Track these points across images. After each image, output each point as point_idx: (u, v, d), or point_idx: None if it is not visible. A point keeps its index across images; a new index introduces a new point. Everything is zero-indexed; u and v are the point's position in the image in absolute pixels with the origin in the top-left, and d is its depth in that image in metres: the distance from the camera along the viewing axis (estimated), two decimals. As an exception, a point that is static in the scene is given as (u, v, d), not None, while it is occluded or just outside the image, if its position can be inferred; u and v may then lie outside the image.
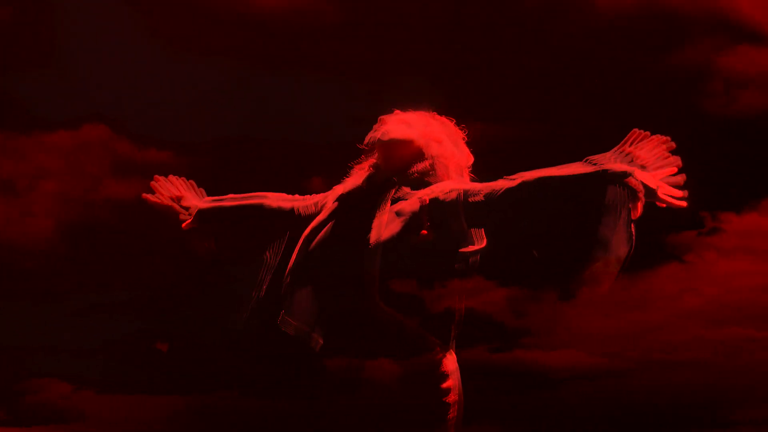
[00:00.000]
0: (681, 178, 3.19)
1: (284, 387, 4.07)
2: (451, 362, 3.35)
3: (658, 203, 3.17)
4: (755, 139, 4.62)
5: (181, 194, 3.84)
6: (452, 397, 3.31)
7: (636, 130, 3.23)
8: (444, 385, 3.31)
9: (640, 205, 3.14)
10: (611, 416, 4.22)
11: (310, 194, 3.68)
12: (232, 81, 5.29)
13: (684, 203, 3.18)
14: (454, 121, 3.58)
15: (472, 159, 3.55)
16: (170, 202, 3.83)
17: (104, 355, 5.00)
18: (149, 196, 3.84)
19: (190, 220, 3.78)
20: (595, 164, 3.19)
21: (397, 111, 3.56)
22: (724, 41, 4.93)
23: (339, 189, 3.55)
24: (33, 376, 4.99)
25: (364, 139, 3.54)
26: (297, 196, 3.70)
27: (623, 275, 3.21)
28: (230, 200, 3.77)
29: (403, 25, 5.22)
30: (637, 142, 3.22)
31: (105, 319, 5.11)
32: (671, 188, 3.16)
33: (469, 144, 3.59)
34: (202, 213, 3.78)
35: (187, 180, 3.89)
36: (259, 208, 3.70)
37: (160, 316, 5.05)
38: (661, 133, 3.24)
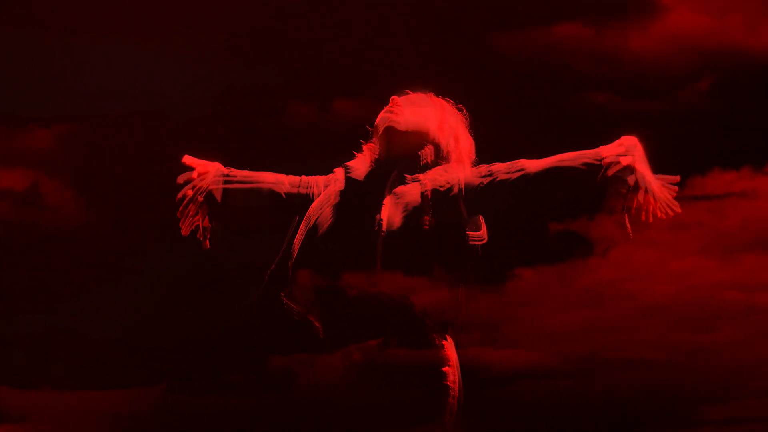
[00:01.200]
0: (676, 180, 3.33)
1: (219, 383, 3.93)
2: (452, 357, 3.37)
3: (653, 201, 3.27)
4: (668, 129, 4.63)
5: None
6: (453, 392, 3.34)
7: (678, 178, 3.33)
8: (447, 381, 3.34)
9: (636, 199, 3.26)
10: (562, 417, 4.17)
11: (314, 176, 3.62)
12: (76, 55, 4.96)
13: (678, 206, 3.30)
14: (452, 102, 3.58)
15: (471, 140, 3.56)
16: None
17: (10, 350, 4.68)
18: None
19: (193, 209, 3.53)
20: (597, 160, 3.28)
21: (394, 97, 3.50)
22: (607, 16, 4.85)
23: (341, 173, 3.52)
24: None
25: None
26: (303, 178, 3.59)
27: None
28: (238, 182, 3.54)
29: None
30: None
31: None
32: (670, 186, 3.30)
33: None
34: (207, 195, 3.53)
35: None
36: (272, 194, 3.53)
37: (62, 309, 4.77)
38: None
